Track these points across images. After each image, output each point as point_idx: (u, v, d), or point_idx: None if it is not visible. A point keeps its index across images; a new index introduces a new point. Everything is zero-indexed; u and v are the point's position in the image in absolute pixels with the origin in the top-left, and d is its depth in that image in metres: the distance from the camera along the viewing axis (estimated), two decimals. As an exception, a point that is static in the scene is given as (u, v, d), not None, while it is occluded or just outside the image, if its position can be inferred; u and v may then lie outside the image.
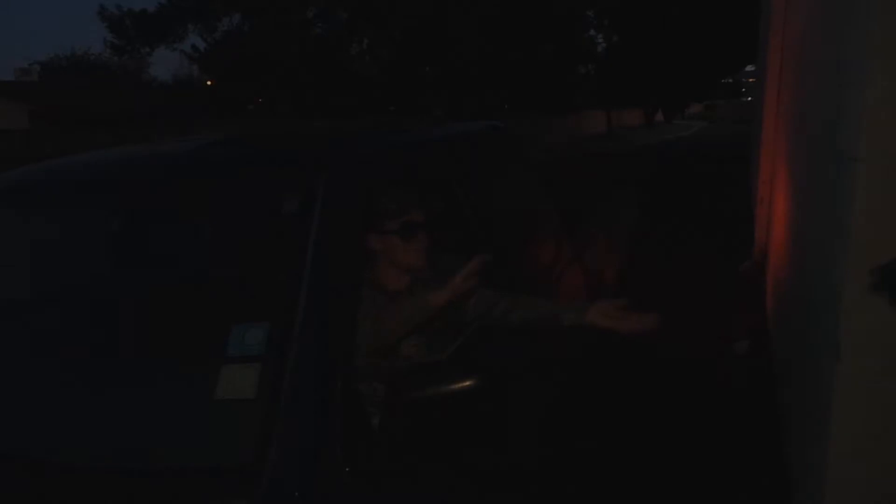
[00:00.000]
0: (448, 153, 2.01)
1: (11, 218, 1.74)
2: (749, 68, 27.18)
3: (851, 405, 1.49)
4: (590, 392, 2.41)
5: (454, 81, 23.75)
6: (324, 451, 1.10)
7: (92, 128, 16.61)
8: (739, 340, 3.47)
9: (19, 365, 1.43)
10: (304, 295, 1.23)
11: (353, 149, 1.71)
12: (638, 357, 2.91)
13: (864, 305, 1.39)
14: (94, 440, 1.20)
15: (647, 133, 27.66)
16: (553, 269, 2.36)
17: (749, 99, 21.86)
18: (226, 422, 1.17)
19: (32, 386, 1.35)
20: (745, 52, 20.42)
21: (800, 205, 2.51)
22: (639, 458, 2.40)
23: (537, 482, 1.79)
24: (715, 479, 2.36)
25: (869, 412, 1.47)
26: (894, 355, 1.41)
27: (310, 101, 23.75)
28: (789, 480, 2.18)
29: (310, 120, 21.14)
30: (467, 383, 1.22)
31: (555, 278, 2.33)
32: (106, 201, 1.67)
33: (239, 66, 24.42)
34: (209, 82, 27.99)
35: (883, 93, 1.32)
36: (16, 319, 1.59)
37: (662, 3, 24.10)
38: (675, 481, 2.33)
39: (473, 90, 23.31)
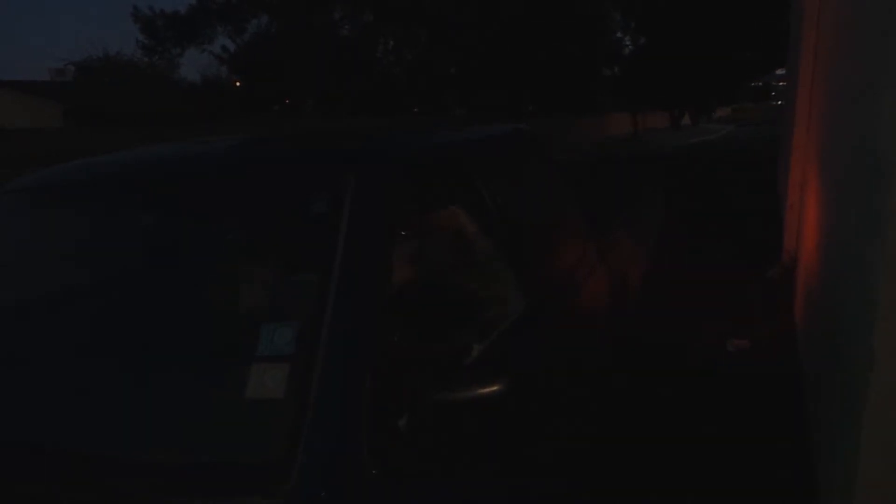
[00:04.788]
0: (474, 155, 2.00)
1: (37, 215, 1.77)
2: (779, 72, 26.71)
3: (884, 415, 1.45)
4: (612, 393, 2.40)
5: (478, 82, 23.73)
6: (351, 451, 1.10)
7: (123, 127, 16.95)
8: (737, 339, 3.44)
9: (52, 360, 1.44)
10: (333, 295, 1.22)
11: (384, 149, 1.71)
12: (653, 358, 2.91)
13: (900, 314, 1.36)
14: (126, 435, 1.21)
15: (673, 136, 27.32)
16: (578, 271, 2.35)
17: (779, 102, 21.48)
18: (254, 421, 1.17)
19: (69, 380, 1.36)
20: (775, 55, 20.08)
21: (833, 210, 2.46)
22: (659, 460, 2.38)
23: (561, 479, 1.78)
24: (735, 484, 2.33)
25: (903, 423, 1.43)
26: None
27: (335, 101, 23.92)
28: (815, 489, 2.14)
29: (335, 121, 21.29)
30: (495, 388, 1.20)
31: (579, 280, 2.32)
32: (134, 200, 1.68)
33: (266, 67, 24.73)
34: (237, 83, 28.37)
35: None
36: (49, 315, 1.60)
37: (691, 5, 23.81)
38: (686, 484, 2.31)
39: (497, 91, 23.26)
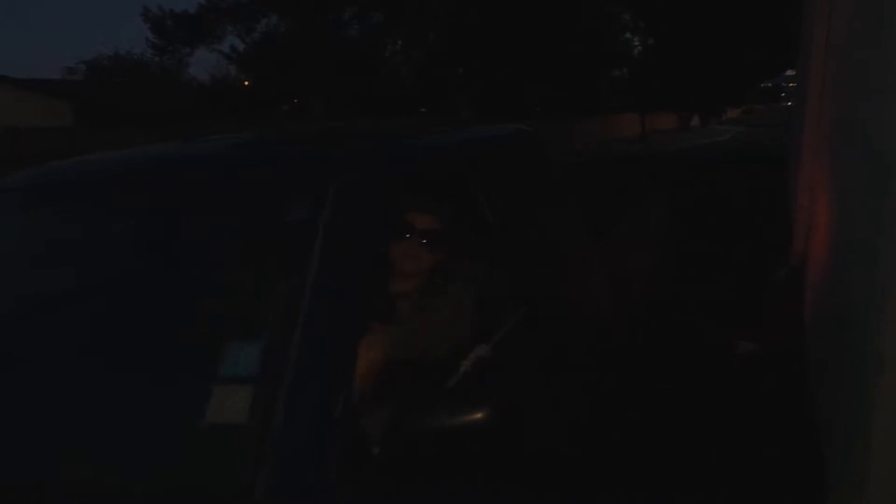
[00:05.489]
0: (469, 157, 1.92)
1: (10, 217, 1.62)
2: (790, 72, 26.58)
3: (894, 417, 1.45)
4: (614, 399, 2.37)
5: (485, 83, 23.74)
6: (319, 481, 1.02)
7: (132, 126, 17.06)
8: (745, 342, 3.43)
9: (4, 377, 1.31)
10: (306, 312, 1.12)
11: (371, 153, 1.61)
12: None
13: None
14: (77, 462, 1.10)
15: (682, 137, 27.23)
16: (578, 277, 2.30)
17: (789, 104, 21.38)
18: (216, 447, 1.08)
19: (18, 405, 1.23)
20: (785, 55, 19.95)
21: (843, 212, 2.45)
22: (665, 458, 2.38)
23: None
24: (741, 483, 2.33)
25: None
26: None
27: (344, 101, 23.99)
28: (822, 487, 2.14)
29: (342, 121, 21.37)
30: (478, 416, 1.10)
31: (579, 286, 2.27)
32: (98, 204, 1.55)
33: (275, 66, 24.82)
34: (245, 82, 28.50)
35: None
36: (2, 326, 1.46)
37: (700, 5, 23.71)
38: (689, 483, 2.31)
39: (504, 92, 23.25)
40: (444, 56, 24.17)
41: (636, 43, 29.33)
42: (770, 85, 32.18)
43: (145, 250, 1.54)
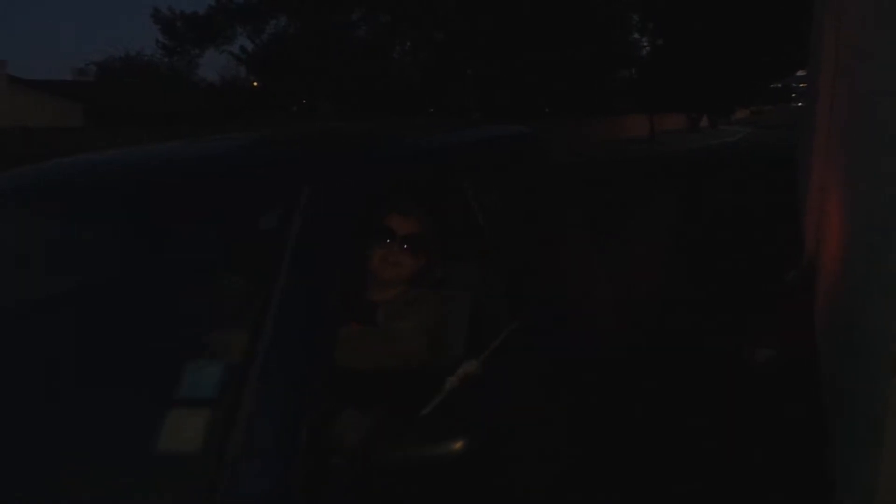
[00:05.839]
0: (463, 158, 1.82)
1: None
2: (800, 73, 26.40)
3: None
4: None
5: (493, 83, 23.73)
6: None
7: (141, 126, 17.16)
8: (762, 349, 3.39)
9: None
10: (270, 329, 1.03)
11: (348, 156, 1.48)
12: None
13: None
14: (12, 490, 0.99)
15: (691, 138, 27.11)
16: (580, 283, 2.22)
17: (799, 104, 21.25)
18: (165, 478, 0.97)
19: None
20: (795, 56, 19.84)
21: (855, 214, 2.43)
22: (673, 460, 2.37)
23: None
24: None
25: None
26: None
27: (352, 102, 24.06)
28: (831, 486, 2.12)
29: (350, 121, 21.40)
30: (455, 447, 0.99)
31: (582, 292, 2.18)
32: (52, 210, 1.45)
33: (283, 67, 24.92)
34: (254, 83, 28.62)
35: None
36: None
37: (709, 5, 23.60)
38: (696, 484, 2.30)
39: (512, 92, 23.23)
40: (452, 56, 24.18)
41: (645, 43, 29.26)
42: (780, 85, 31.96)
43: (101, 260, 1.43)
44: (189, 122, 19.06)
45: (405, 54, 26.92)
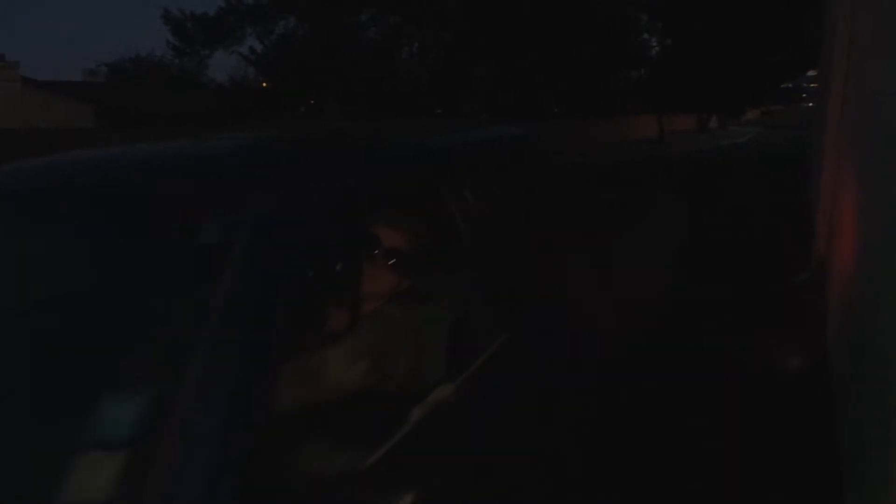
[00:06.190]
0: (452, 162, 1.66)
1: None
2: (811, 73, 26.22)
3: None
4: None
5: (501, 84, 23.71)
6: None
7: (151, 127, 17.26)
8: (793, 355, 3.35)
9: None
10: (201, 361, 0.89)
11: (311, 162, 1.29)
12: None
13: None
14: None
15: (700, 139, 26.99)
16: (578, 287, 2.06)
17: (810, 105, 21.10)
18: None
19: None
20: (806, 55, 19.69)
21: (868, 215, 2.41)
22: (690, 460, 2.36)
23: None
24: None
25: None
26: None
27: (360, 103, 24.12)
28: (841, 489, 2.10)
29: (356, 122, 21.42)
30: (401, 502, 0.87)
31: (580, 297, 2.03)
32: None
33: (292, 68, 25.02)
34: (263, 84, 28.74)
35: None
36: None
37: (718, 5, 23.48)
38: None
39: (521, 93, 23.21)
40: (460, 57, 24.19)
41: (654, 43, 29.15)
42: (790, 85, 31.74)
43: (16, 276, 1.25)
44: (197, 122, 19.16)
45: (413, 55, 26.95)
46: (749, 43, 23.95)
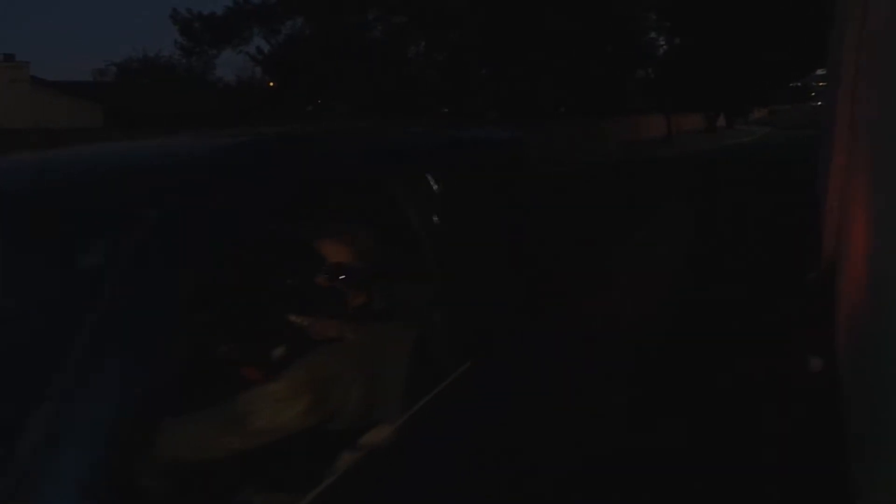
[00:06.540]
0: (409, 168, 1.49)
1: None
2: (819, 72, 26.04)
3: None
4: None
5: (507, 84, 23.68)
6: None
7: (158, 127, 17.35)
8: (813, 357, 3.32)
9: None
10: (79, 397, 0.77)
11: (227, 164, 1.16)
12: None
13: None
14: None
15: (707, 138, 26.86)
16: (563, 299, 1.90)
17: (819, 104, 20.96)
18: None
19: None
20: (815, 54, 19.57)
21: (877, 213, 2.40)
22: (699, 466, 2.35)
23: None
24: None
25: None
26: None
27: (367, 103, 24.14)
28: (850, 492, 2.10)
29: (364, 121, 21.42)
30: None
31: (561, 310, 1.88)
32: None
33: (299, 68, 25.07)
34: (270, 84, 28.81)
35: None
36: None
37: (727, 4, 23.37)
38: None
39: (527, 93, 23.16)
40: (467, 57, 24.17)
41: (662, 43, 29.04)
42: (799, 84, 31.51)
43: None
44: (204, 122, 19.23)
45: (420, 55, 26.95)
46: (757, 42, 23.83)
